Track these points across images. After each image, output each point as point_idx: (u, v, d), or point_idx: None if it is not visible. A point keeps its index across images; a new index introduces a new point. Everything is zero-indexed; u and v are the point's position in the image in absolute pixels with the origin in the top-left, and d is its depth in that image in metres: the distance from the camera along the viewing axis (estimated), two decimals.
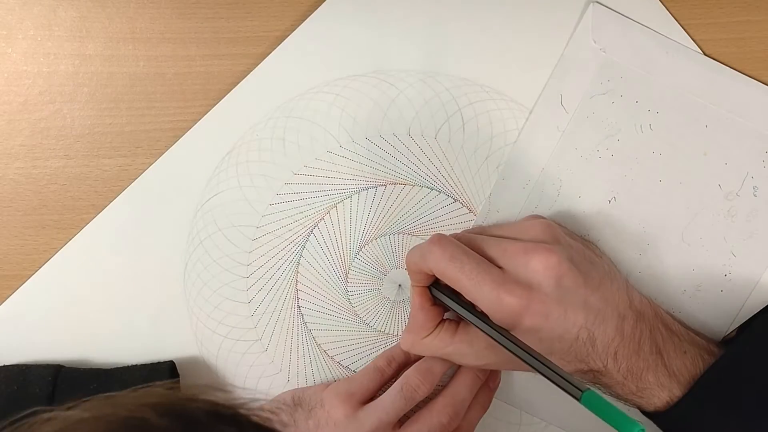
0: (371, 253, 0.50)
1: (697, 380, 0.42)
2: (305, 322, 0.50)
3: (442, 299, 0.44)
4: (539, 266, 0.41)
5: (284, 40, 0.48)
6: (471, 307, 0.43)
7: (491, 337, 0.41)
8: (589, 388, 0.37)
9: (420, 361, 0.47)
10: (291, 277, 0.50)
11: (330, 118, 0.49)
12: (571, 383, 0.38)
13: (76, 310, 0.49)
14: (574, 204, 0.48)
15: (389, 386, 0.46)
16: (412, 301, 0.46)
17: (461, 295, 0.43)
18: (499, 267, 0.42)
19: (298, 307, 0.50)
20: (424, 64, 0.48)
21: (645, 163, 0.47)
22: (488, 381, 0.48)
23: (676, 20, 0.47)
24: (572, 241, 0.45)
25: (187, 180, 0.49)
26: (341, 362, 0.50)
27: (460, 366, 0.47)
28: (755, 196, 0.47)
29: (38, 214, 0.49)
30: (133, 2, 0.48)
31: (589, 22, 0.46)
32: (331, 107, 0.49)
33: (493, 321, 0.42)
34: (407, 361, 0.48)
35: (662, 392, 0.43)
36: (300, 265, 0.50)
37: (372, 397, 0.47)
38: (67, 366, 0.47)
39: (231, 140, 0.49)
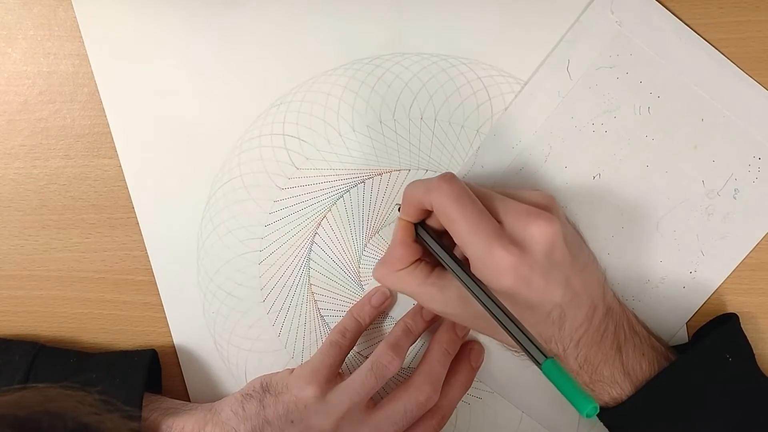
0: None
1: (647, 382, 0.43)
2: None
3: (426, 240, 0.44)
4: (537, 231, 0.40)
5: None
6: (452, 255, 0.42)
7: (467, 287, 0.41)
8: (553, 357, 0.36)
9: (387, 336, 0.47)
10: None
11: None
12: (537, 347, 0.37)
13: None
14: (558, 173, 0.47)
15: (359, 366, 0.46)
16: (394, 234, 0.45)
17: (445, 241, 0.42)
18: (498, 221, 0.41)
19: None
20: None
21: (636, 146, 0.47)
22: (470, 360, 0.48)
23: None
24: (568, 222, 0.45)
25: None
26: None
27: (430, 342, 0.47)
28: (735, 198, 0.47)
29: (38, 214, 0.49)
30: None
31: None
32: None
33: (474, 273, 0.41)
34: (360, 329, 0.48)
35: (613, 389, 0.43)
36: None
37: (336, 373, 0.46)
38: (47, 346, 0.47)
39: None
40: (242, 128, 0.48)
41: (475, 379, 0.48)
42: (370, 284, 0.49)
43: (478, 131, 0.48)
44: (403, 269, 0.44)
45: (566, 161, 0.47)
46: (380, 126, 0.48)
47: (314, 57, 0.48)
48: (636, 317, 0.46)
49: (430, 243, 0.43)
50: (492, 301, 0.39)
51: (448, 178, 0.41)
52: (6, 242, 0.49)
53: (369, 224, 0.49)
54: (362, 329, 0.48)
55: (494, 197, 0.42)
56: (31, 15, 0.48)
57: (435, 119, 0.48)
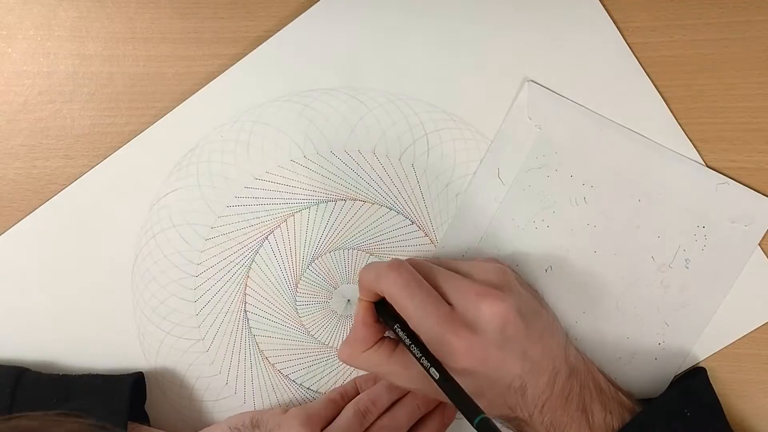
0: (324, 265, 0.51)
1: None
2: (250, 327, 0.51)
3: (385, 320, 0.45)
4: (487, 311, 0.42)
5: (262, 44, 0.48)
6: (411, 334, 0.43)
7: (423, 368, 0.42)
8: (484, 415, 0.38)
9: (371, 388, 0.49)
10: (241, 281, 0.51)
11: (297, 128, 0.49)
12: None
13: (20, 296, 0.50)
14: None
15: None
16: (356, 314, 0.46)
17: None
18: (449, 303, 0.43)
19: (245, 311, 0.51)
20: (393, 85, 0.49)
21: (580, 235, 0.48)
22: (444, 414, 0.49)
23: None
24: (522, 289, 0.46)
25: (146, 174, 0.50)
26: (281, 370, 0.52)
27: (406, 393, 0.49)
28: (687, 268, 0.48)
29: None
30: (133, 2, 0.48)
31: (525, 99, 0.47)
32: (300, 117, 0.49)
33: (432, 353, 0.42)
34: (356, 395, 0.50)
35: None
36: (251, 270, 0.51)
37: (327, 424, 0.48)
38: (32, 369, 0.49)
39: (194, 138, 0.49)
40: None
41: None
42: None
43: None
44: (367, 350, 0.45)
45: (515, 260, 0.49)
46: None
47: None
48: (602, 373, 0.47)
49: (389, 324, 0.44)
50: (448, 381, 0.40)
51: (395, 265, 0.43)
52: None
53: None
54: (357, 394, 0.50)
55: (443, 277, 0.44)
56: (31, 15, 0.48)
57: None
